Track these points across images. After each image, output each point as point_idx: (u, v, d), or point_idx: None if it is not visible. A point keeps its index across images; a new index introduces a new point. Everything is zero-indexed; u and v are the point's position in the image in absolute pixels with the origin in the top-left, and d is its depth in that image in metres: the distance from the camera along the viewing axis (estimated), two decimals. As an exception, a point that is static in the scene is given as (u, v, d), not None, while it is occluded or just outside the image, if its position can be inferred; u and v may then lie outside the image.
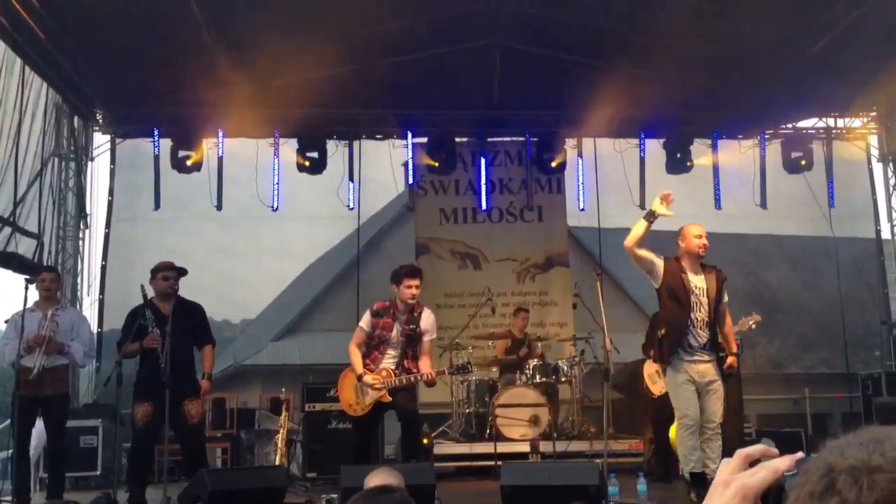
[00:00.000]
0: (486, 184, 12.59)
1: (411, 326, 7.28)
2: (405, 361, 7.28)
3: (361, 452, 7.27)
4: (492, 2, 10.90)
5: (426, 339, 7.35)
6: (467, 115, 12.55)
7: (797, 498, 0.98)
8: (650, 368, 8.72)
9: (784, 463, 1.06)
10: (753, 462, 1.10)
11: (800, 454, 1.06)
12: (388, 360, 7.27)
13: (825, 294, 13.61)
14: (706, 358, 6.70)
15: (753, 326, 8.01)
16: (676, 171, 12.22)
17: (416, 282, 7.26)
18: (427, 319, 7.36)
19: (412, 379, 7.15)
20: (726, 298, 6.92)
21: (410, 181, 12.72)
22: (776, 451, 1.10)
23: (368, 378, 7.13)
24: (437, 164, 12.16)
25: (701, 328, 6.70)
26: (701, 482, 6.40)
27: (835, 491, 0.93)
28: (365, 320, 7.35)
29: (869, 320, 13.31)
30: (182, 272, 7.57)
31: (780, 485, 1.03)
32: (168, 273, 7.48)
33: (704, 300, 6.73)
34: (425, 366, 7.23)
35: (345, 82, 11.80)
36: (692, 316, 6.69)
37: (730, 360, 6.89)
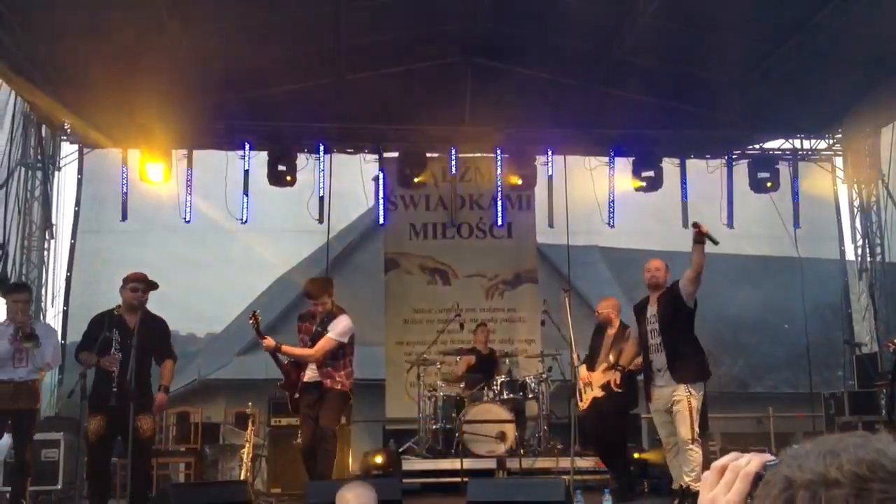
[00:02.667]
0: (456, 199, 12.61)
1: (319, 329, 7.64)
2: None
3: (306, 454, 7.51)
4: (464, 18, 10.96)
5: (328, 334, 7.58)
6: (439, 131, 12.58)
7: None
8: (579, 383, 8.59)
9: (755, 465, 1.05)
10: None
11: (767, 456, 1.06)
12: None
13: (789, 314, 13.76)
14: (660, 383, 7.11)
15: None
16: (644, 190, 12.32)
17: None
18: (338, 322, 7.66)
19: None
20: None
21: (381, 195, 12.70)
22: (752, 455, 1.09)
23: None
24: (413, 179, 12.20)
25: (653, 353, 7.17)
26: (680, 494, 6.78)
27: None
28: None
29: (832, 340, 13.46)
30: (152, 286, 7.49)
31: (760, 475, 1.03)
32: (136, 284, 7.40)
33: (656, 326, 7.16)
34: (296, 351, 7.75)
35: (316, 96, 11.82)
36: (648, 343, 7.24)
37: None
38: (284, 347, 7.56)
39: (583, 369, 8.55)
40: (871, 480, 0.90)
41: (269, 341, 7.41)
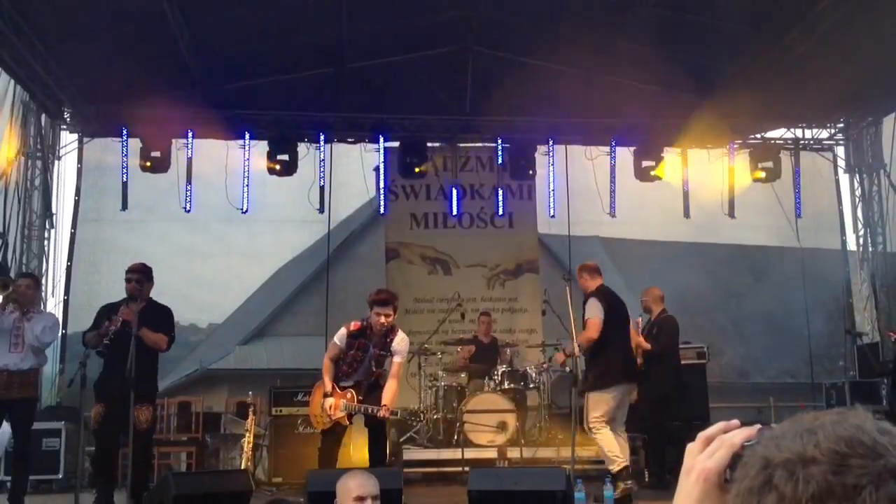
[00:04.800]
0: (457, 189, 12.60)
1: (383, 352, 7.30)
2: (370, 381, 7.30)
3: (325, 459, 7.24)
4: (465, 7, 10.92)
5: (396, 359, 7.29)
6: (439, 121, 12.55)
7: (737, 493, 0.96)
8: None
9: (740, 436, 1.04)
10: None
11: (758, 426, 1.05)
12: (357, 377, 7.27)
13: (791, 304, 13.73)
14: None
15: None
16: (646, 180, 12.30)
17: (386, 310, 7.18)
18: (400, 343, 7.32)
19: (370, 410, 7.08)
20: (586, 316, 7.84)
21: (382, 185, 12.69)
22: (736, 422, 1.08)
23: (330, 401, 7.12)
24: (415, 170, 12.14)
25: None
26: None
27: (772, 486, 0.92)
28: (340, 337, 7.33)
29: (833, 330, 13.44)
30: (147, 273, 7.46)
31: (739, 455, 1.02)
32: (130, 275, 7.38)
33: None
34: (388, 392, 7.15)
35: (317, 85, 11.78)
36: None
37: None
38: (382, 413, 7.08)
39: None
40: (849, 456, 0.90)
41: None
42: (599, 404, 7.62)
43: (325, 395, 7.17)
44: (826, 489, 0.89)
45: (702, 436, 1.09)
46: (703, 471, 1.05)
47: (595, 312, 7.69)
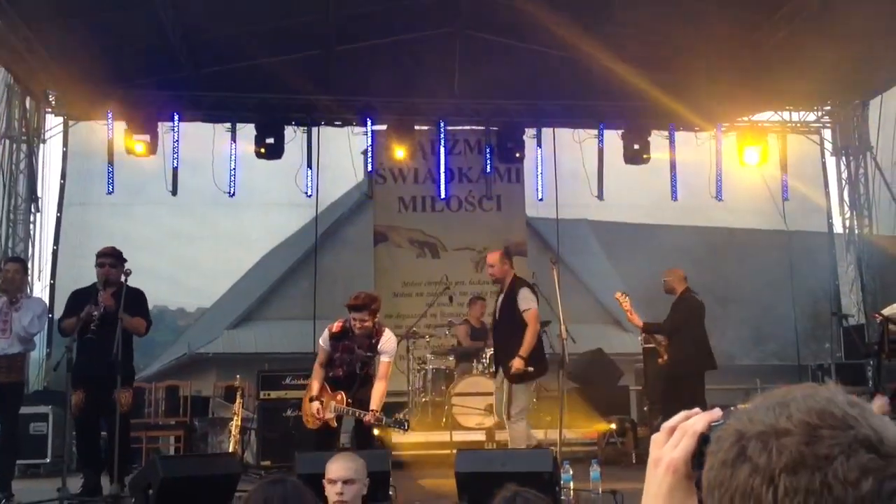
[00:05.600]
0: (445, 172, 12.58)
1: (369, 353, 7.22)
2: (357, 383, 7.20)
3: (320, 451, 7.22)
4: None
5: (384, 359, 7.17)
6: (427, 104, 12.51)
7: (711, 466, 0.98)
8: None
9: (701, 423, 1.06)
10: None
11: (717, 411, 1.06)
12: (346, 378, 7.23)
13: (777, 286, 13.80)
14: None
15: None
16: (634, 163, 12.30)
17: (361, 315, 6.99)
18: (386, 343, 7.19)
19: (358, 414, 7.02)
20: (522, 307, 7.77)
21: (370, 168, 12.66)
22: (697, 410, 1.10)
23: (316, 405, 7.04)
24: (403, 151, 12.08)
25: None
26: None
27: (746, 458, 0.94)
28: (324, 339, 7.25)
29: (820, 312, 13.52)
30: (119, 257, 7.40)
31: (706, 437, 1.03)
32: (103, 259, 7.33)
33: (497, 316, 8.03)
34: (375, 395, 7.02)
35: (303, 67, 11.71)
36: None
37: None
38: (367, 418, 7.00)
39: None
40: (820, 428, 0.92)
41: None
42: (526, 396, 7.89)
43: (311, 400, 7.14)
44: (798, 459, 0.91)
45: (665, 426, 1.11)
46: (671, 462, 1.07)
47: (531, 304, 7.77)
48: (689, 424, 1.07)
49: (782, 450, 0.91)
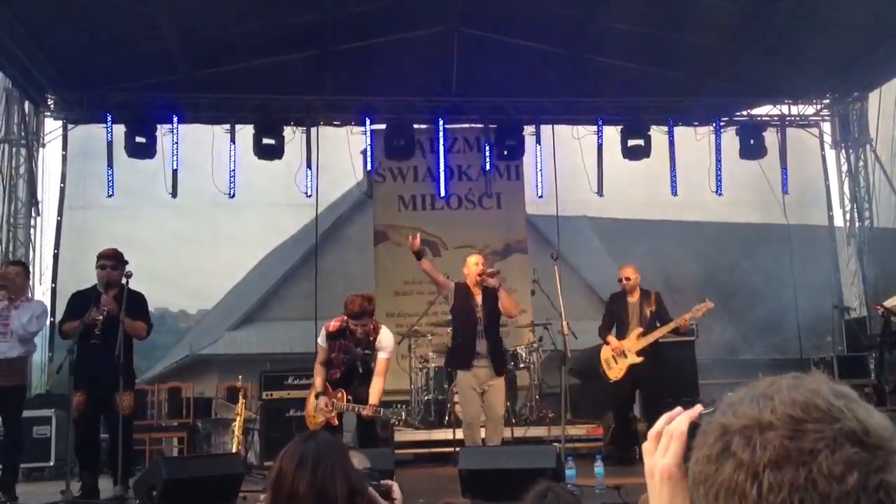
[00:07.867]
0: (444, 171, 12.57)
1: (367, 351, 7.23)
2: (356, 380, 7.23)
3: None
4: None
5: (382, 356, 7.19)
6: (426, 102, 12.50)
7: (696, 461, 0.97)
8: (606, 353, 8.80)
9: (685, 424, 1.05)
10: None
11: (699, 407, 1.05)
12: (346, 376, 7.24)
13: (778, 280, 13.78)
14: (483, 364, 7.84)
15: (701, 314, 8.66)
16: (633, 158, 12.29)
17: (362, 322, 7.05)
18: (384, 339, 7.22)
19: (357, 409, 7.04)
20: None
21: (369, 168, 12.64)
22: (679, 409, 1.08)
23: (320, 402, 7.11)
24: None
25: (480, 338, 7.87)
26: None
27: (730, 453, 0.92)
28: (322, 339, 7.28)
29: (821, 305, 13.50)
30: (120, 258, 7.38)
31: (697, 425, 1.02)
32: (104, 261, 7.31)
33: (481, 315, 7.90)
34: (373, 391, 7.07)
35: (302, 68, 11.72)
36: (477, 328, 7.89)
37: None
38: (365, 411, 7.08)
39: (611, 339, 8.76)
40: (805, 421, 0.90)
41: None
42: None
43: (317, 396, 7.16)
44: (783, 454, 0.89)
45: (651, 434, 1.09)
46: (664, 469, 1.05)
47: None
48: (673, 427, 1.06)
49: (766, 445, 0.90)
